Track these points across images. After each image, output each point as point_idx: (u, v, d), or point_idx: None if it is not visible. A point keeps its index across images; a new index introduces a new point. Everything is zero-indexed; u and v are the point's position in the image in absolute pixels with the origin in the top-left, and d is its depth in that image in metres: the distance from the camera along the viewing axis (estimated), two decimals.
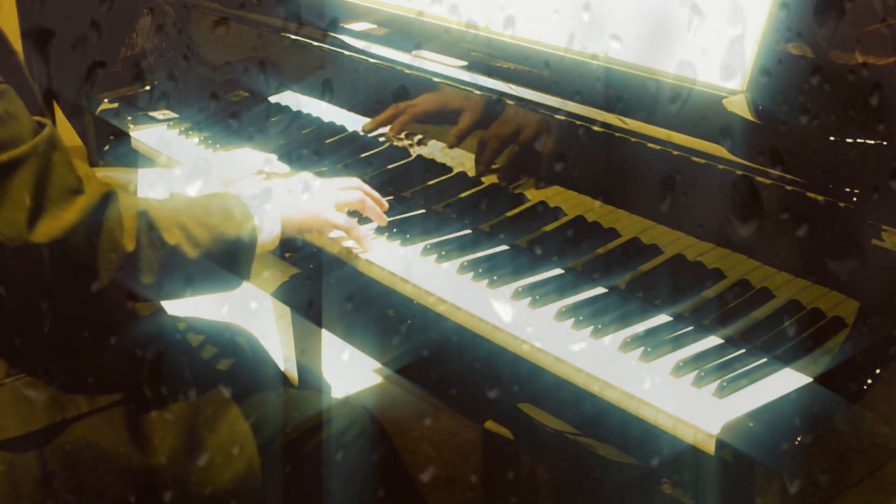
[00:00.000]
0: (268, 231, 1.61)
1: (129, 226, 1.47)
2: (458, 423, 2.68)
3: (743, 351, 1.39)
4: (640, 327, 1.46)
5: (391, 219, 1.77)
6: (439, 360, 1.62)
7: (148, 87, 2.46)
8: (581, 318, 1.48)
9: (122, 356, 1.62)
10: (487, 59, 1.80)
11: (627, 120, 1.55)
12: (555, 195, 1.68)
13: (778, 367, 1.35)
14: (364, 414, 1.83)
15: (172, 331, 1.76)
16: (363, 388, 2.86)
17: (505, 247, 1.70)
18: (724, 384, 1.32)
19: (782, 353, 1.37)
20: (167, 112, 2.39)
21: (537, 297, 1.53)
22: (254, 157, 2.01)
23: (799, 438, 1.22)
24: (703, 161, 1.46)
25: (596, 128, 1.59)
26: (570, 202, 1.66)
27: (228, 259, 1.57)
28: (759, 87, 1.47)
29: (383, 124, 1.94)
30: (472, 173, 1.80)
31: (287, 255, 1.83)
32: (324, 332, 2.17)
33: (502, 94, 1.73)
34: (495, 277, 1.59)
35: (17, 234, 1.39)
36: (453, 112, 1.82)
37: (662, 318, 1.48)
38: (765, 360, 1.36)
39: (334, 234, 1.72)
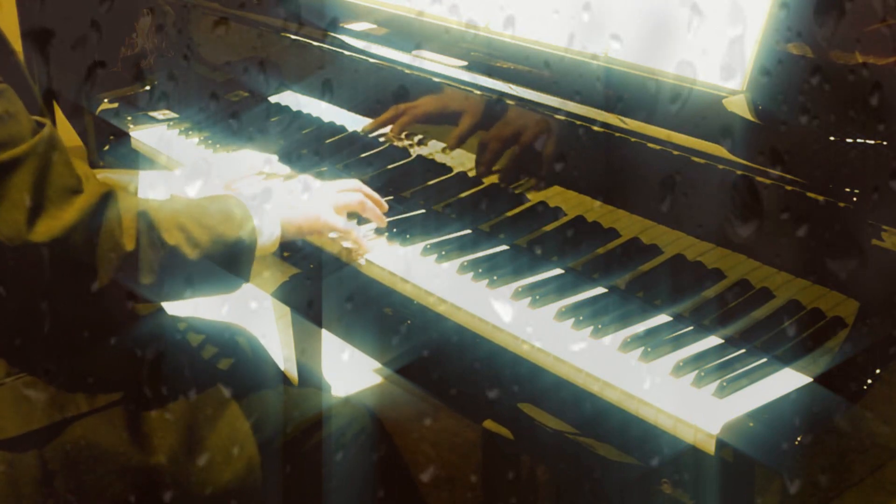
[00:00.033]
0: (268, 233, 1.61)
1: (129, 226, 1.47)
2: (458, 423, 2.67)
3: (743, 351, 1.39)
4: (640, 327, 1.46)
5: (391, 219, 1.77)
6: (439, 360, 1.62)
7: (148, 87, 2.46)
8: (581, 318, 1.48)
9: (123, 356, 1.62)
10: (487, 59, 1.80)
11: (627, 120, 1.55)
12: (555, 195, 1.68)
13: (778, 367, 1.35)
14: (364, 413, 1.83)
15: (173, 331, 1.76)
16: (363, 388, 2.86)
17: (505, 247, 1.70)
18: (724, 384, 1.32)
19: (782, 353, 1.37)
20: (167, 112, 2.39)
21: (537, 297, 1.53)
22: (254, 157, 2.01)
23: (799, 438, 1.22)
24: (703, 161, 1.46)
25: (596, 128, 1.59)
26: (570, 202, 1.66)
27: (228, 260, 1.57)
28: (759, 87, 1.47)
29: (383, 125, 1.94)
30: (472, 173, 1.80)
31: (286, 254, 1.83)
32: (324, 331, 2.17)
33: (502, 94, 1.73)
34: (495, 277, 1.59)
35: (16, 234, 1.39)
36: (454, 113, 1.82)
37: (662, 318, 1.48)
38: (765, 360, 1.36)
39: (334, 235, 1.72)
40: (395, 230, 1.75)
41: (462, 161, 1.82)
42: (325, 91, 2.07)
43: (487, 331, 1.51)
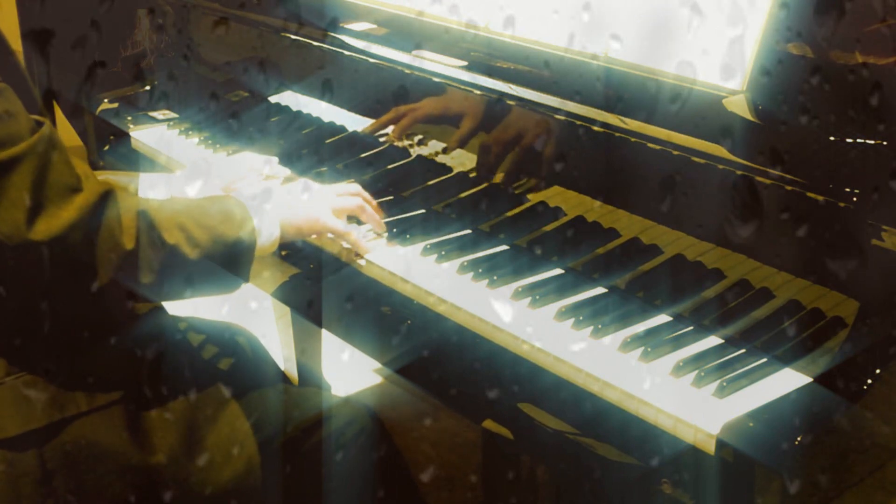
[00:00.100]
0: (267, 234, 1.61)
1: (129, 225, 1.48)
2: (458, 423, 2.67)
3: (743, 351, 1.39)
4: (640, 327, 1.46)
5: (391, 219, 1.77)
6: (439, 360, 1.62)
7: (148, 87, 2.46)
8: (581, 318, 1.47)
9: (122, 355, 1.62)
10: (487, 59, 1.80)
11: (627, 120, 1.55)
12: (555, 195, 1.68)
13: (778, 367, 1.35)
14: (364, 413, 1.83)
15: (173, 330, 1.76)
16: (363, 388, 2.86)
17: (505, 247, 1.70)
18: (724, 384, 1.32)
19: (782, 353, 1.37)
20: (167, 112, 2.39)
21: (537, 297, 1.53)
22: (254, 158, 2.01)
23: (799, 438, 1.22)
24: (703, 161, 1.46)
25: (596, 128, 1.59)
26: (570, 202, 1.66)
27: (228, 260, 1.57)
28: (759, 87, 1.47)
29: (384, 126, 1.94)
30: (472, 173, 1.80)
31: (284, 253, 1.83)
32: (324, 332, 2.17)
33: (502, 94, 1.73)
34: (495, 277, 1.59)
35: (16, 233, 1.40)
36: (454, 113, 1.82)
37: (662, 318, 1.48)
38: (765, 360, 1.36)
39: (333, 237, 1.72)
40: (395, 230, 1.75)
41: (462, 161, 1.82)
42: (325, 91, 2.07)
43: (487, 331, 1.51)
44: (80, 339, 1.57)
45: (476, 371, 1.55)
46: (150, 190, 1.78)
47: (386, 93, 1.92)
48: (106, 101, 2.42)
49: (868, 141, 1.36)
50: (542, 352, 1.43)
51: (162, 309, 1.75)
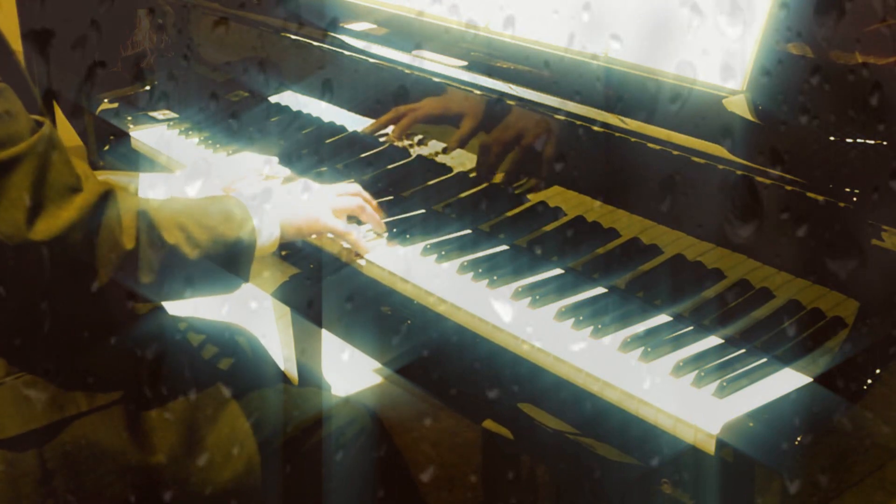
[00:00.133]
0: (267, 234, 1.61)
1: (129, 225, 1.48)
2: (458, 423, 2.67)
3: (743, 351, 1.39)
4: (640, 327, 1.46)
5: (391, 219, 1.77)
6: (439, 360, 1.62)
7: (148, 87, 2.46)
8: (581, 318, 1.47)
9: (122, 355, 1.62)
10: (487, 59, 1.80)
11: (627, 120, 1.55)
12: (555, 195, 1.68)
13: (778, 367, 1.35)
14: (364, 413, 1.83)
15: (173, 330, 1.76)
16: (363, 388, 2.86)
17: (505, 247, 1.70)
18: (724, 384, 1.32)
19: (782, 353, 1.37)
20: (167, 112, 2.39)
21: (537, 297, 1.53)
22: (254, 159, 2.01)
23: (799, 438, 1.22)
24: (703, 161, 1.46)
25: (596, 128, 1.59)
26: (570, 202, 1.66)
27: (228, 260, 1.57)
28: (759, 87, 1.47)
29: (384, 126, 1.94)
30: (472, 173, 1.80)
31: (284, 253, 1.83)
32: (324, 332, 2.17)
33: (502, 95, 1.73)
34: (495, 277, 1.59)
35: (16, 232, 1.40)
36: (454, 113, 1.82)
37: (662, 318, 1.48)
38: (765, 360, 1.36)
39: (333, 237, 1.72)
40: (395, 230, 1.75)
41: (462, 161, 1.82)
42: (325, 91, 2.07)
43: (487, 331, 1.51)
44: (80, 339, 1.57)
45: (476, 371, 1.55)
46: (150, 190, 1.78)
47: (386, 93, 1.92)
48: (106, 101, 2.42)
49: (868, 141, 1.36)
50: (542, 352, 1.43)
51: (162, 309, 1.75)
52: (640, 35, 1.60)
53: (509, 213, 1.74)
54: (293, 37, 2.10)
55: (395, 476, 1.91)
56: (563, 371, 1.41)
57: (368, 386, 2.88)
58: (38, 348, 1.55)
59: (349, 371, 2.82)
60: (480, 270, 1.61)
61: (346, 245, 1.71)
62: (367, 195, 1.76)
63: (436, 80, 1.83)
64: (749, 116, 1.46)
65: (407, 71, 1.88)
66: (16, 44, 1.56)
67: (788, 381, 1.32)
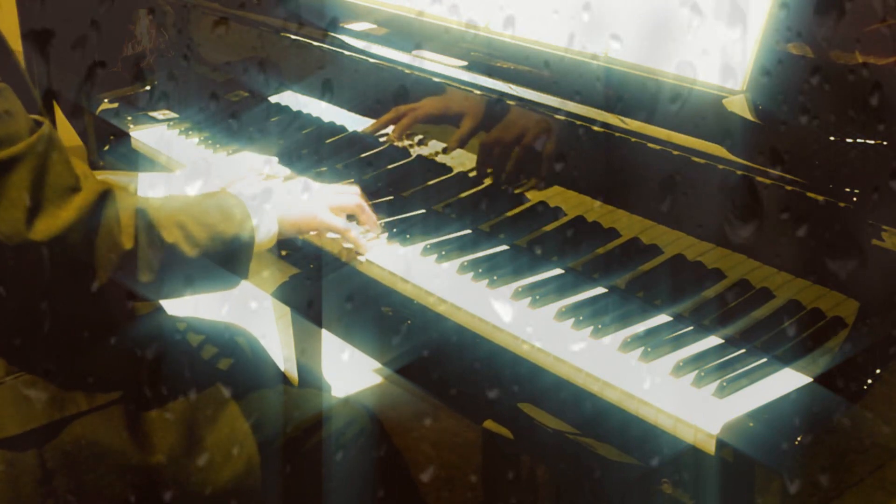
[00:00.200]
0: (265, 230, 1.61)
1: (128, 224, 1.48)
2: (458, 423, 2.67)
3: (743, 351, 1.39)
4: (640, 327, 1.46)
5: (392, 219, 1.77)
6: (439, 360, 1.62)
7: (148, 87, 2.46)
8: (581, 318, 1.47)
9: (122, 355, 1.62)
10: (487, 59, 1.80)
11: (627, 120, 1.55)
12: (555, 195, 1.68)
13: (778, 367, 1.35)
14: (364, 413, 1.83)
15: (172, 331, 1.76)
16: (363, 388, 2.86)
17: (505, 247, 1.70)
18: (724, 384, 1.32)
19: (782, 353, 1.37)
20: (167, 112, 2.39)
21: (537, 297, 1.53)
22: (254, 158, 2.01)
23: (799, 438, 1.22)
24: (703, 161, 1.46)
25: (596, 128, 1.59)
26: (570, 202, 1.66)
27: (227, 258, 1.57)
28: (759, 87, 1.47)
29: (384, 126, 1.94)
30: (472, 173, 1.80)
31: (284, 252, 1.83)
32: (324, 332, 2.17)
33: (502, 94, 1.73)
34: (495, 277, 1.59)
35: (15, 232, 1.40)
36: (454, 113, 1.82)
37: (662, 318, 1.48)
38: (765, 360, 1.36)
39: (332, 235, 1.72)
40: (395, 230, 1.75)
41: (462, 161, 1.82)
42: (325, 91, 2.07)
43: (487, 331, 1.51)
44: (80, 339, 1.57)
45: (476, 371, 1.55)
46: (149, 190, 1.77)
47: (386, 93, 1.92)
48: (106, 101, 2.42)
49: (868, 141, 1.36)
50: (542, 352, 1.43)
51: (161, 309, 1.75)
52: (640, 35, 1.60)
53: (509, 213, 1.74)
54: (293, 37, 2.10)
55: (395, 476, 1.91)
56: (563, 371, 1.41)
57: (368, 386, 2.88)
58: (38, 348, 1.55)
59: (349, 371, 2.82)
60: (480, 270, 1.61)
61: (346, 244, 1.71)
62: (364, 201, 1.75)
63: (436, 80, 1.83)
64: (749, 116, 1.46)
65: (407, 71, 1.88)
66: (16, 44, 1.56)
67: (788, 381, 1.32)
